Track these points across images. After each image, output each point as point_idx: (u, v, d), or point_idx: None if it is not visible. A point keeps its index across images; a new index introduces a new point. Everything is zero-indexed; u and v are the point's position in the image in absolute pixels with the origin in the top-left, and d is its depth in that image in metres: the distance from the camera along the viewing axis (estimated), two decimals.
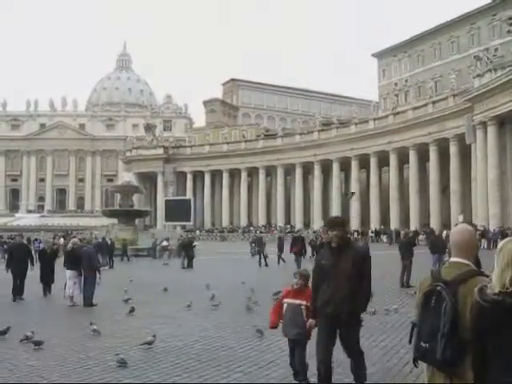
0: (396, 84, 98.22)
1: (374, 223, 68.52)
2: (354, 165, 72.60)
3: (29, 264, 18.59)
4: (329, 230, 6.89)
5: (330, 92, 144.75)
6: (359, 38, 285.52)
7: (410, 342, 3.72)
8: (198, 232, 66.14)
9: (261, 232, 69.80)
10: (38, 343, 10.19)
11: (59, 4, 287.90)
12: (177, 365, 8.87)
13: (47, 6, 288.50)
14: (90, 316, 14.03)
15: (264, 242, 33.32)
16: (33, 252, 22.65)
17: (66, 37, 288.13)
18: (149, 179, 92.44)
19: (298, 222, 79.20)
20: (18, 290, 17.22)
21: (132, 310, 14.11)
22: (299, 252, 27.99)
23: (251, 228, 79.64)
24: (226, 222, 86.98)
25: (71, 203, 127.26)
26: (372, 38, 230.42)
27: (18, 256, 18.01)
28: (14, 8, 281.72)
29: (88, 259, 16.62)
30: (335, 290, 6.54)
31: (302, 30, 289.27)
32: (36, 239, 44.53)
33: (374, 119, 71.47)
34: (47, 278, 18.46)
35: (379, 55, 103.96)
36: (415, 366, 3.77)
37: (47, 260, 19.07)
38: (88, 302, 15.81)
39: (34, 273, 19.31)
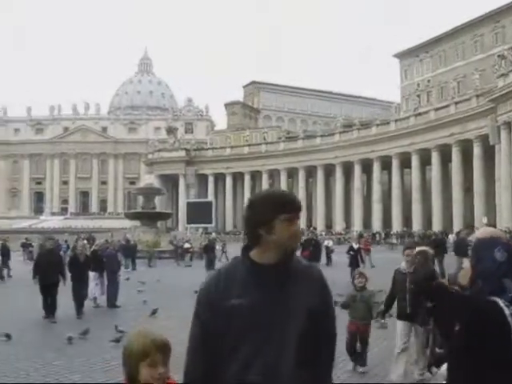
0: (418, 85, 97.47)
1: (396, 225, 68.05)
2: (376, 166, 72.24)
3: (60, 276, 14.66)
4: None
5: (351, 93, 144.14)
6: (381, 39, 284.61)
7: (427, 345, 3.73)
8: (214, 234, 66.12)
9: None
10: (74, 337, 10.25)
11: (82, 9, 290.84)
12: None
13: (70, 11, 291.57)
14: (113, 317, 14.20)
15: None
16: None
17: (88, 42, 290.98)
18: (170, 181, 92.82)
19: (319, 224, 78.94)
20: (49, 308, 14.13)
21: (154, 311, 14.19)
22: (310, 257, 23.90)
23: None
24: None
25: (94, 206, 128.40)
26: (394, 38, 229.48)
27: (47, 266, 14.38)
28: (37, 14, 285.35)
29: (111, 261, 16.80)
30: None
31: (323, 31, 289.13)
32: (66, 240, 40.70)
33: (396, 120, 71.06)
34: (81, 294, 15.00)
35: (401, 56, 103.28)
36: (429, 372, 3.76)
37: (81, 270, 15.28)
38: (111, 304, 15.96)
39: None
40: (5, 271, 25.84)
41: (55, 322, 13.64)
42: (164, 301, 16.66)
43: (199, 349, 2.60)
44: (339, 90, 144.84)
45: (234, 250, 39.75)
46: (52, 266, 14.34)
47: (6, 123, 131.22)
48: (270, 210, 2.48)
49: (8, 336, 11.21)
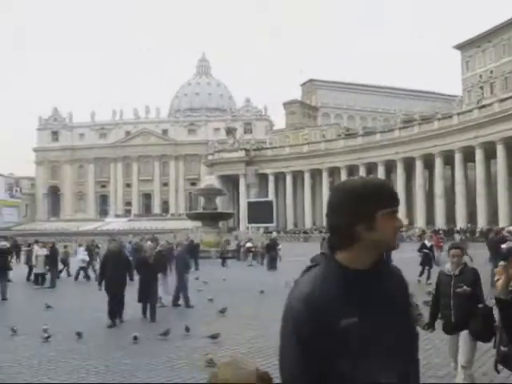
0: (481, 76, 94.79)
1: (461, 221, 66.52)
2: (438, 162, 70.84)
3: (127, 278, 14.40)
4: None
5: (410, 88, 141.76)
6: (440, 31, 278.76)
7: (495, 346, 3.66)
8: (275, 233, 66.18)
9: None
10: (135, 338, 10.52)
11: (139, 14, 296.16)
12: (261, 366, 8.95)
13: (128, 16, 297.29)
14: (180, 316, 14.48)
15: None
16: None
17: (146, 45, 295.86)
18: (231, 182, 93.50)
19: None
20: (115, 312, 13.72)
21: (223, 310, 14.32)
22: None
23: None
24: (308, 223, 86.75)
25: (156, 207, 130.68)
26: (453, 29, 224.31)
27: (114, 268, 13.95)
28: (95, 19, 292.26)
29: (179, 261, 17.07)
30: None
31: (378, 25, 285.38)
32: (130, 242, 40.10)
33: (458, 114, 69.41)
34: (148, 296, 14.43)
35: (462, 47, 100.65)
36: (496, 370, 3.70)
37: (150, 272, 14.72)
38: (186, 304, 16.22)
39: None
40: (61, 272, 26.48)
41: (122, 321, 13.65)
42: (230, 300, 16.76)
43: (304, 377, 2.06)
44: (398, 84, 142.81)
45: (292, 249, 39.94)
46: (118, 268, 13.96)
47: (72, 129, 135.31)
48: (372, 202, 2.05)
49: (79, 334, 11.63)
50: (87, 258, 26.98)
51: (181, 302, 16.51)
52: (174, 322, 13.32)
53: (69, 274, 27.45)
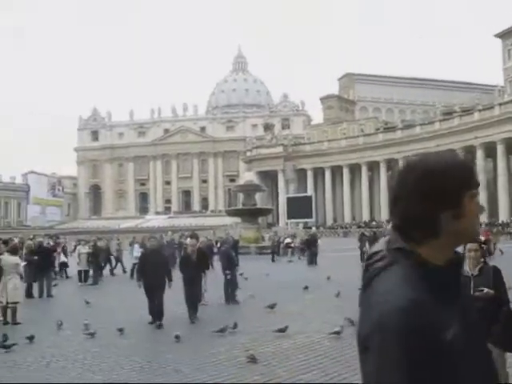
0: None
1: (503, 214, 65.27)
2: (479, 154, 69.60)
3: (166, 279, 13.47)
4: None
5: (449, 79, 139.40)
6: (479, 19, 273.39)
7: None
8: (314, 229, 65.98)
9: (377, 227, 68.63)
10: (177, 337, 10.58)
11: (174, 12, 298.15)
12: (304, 362, 8.98)
13: (166, 14, 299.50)
14: (224, 313, 14.55)
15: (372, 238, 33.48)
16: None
17: (182, 43, 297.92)
18: (270, 177, 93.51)
19: None
20: (155, 313, 13.17)
21: (272, 306, 14.23)
22: None
23: (373, 223, 78.42)
24: (347, 218, 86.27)
25: (196, 204, 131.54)
26: (494, 17, 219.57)
27: (152, 267, 13.25)
28: (132, 17, 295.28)
29: (226, 258, 17.11)
30: None
31: (415, 15, 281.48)
32: (172, 239, 39.18)
33: (500, 104, 68.07)
34: (194, 297, 13.91)
35: (503, 35, 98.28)
36: None
37: (193, 271, 14.09)
38: (233, 300, 16.21)
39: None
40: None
41: (161, 326, 12.67)
42: (271, 295, 16.68)
43: None
44: (436, 76, 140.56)
45: (331, 244, 39.79)
46: (157, 267, 13.19)
47: (111, 128, 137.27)
48: (460, 183, 1.60)
49: (121, 330, 11.82)
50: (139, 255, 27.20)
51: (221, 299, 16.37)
52: (221, 318, 13.33)
53: (124, 271, 27.87)
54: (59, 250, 26.64)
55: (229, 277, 16.59)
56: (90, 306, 16.03)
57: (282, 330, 11.08)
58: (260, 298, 16.25)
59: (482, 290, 5.71)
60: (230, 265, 16.93)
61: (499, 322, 5.19)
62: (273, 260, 34.62)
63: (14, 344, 10.45)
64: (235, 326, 11.64)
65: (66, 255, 27.39)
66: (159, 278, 13.21)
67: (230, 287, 16.47)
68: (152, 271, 13.10)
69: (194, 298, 13.83)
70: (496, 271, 6.12)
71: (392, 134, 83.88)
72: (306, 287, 18.40)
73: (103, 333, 11.76)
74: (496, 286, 5.91)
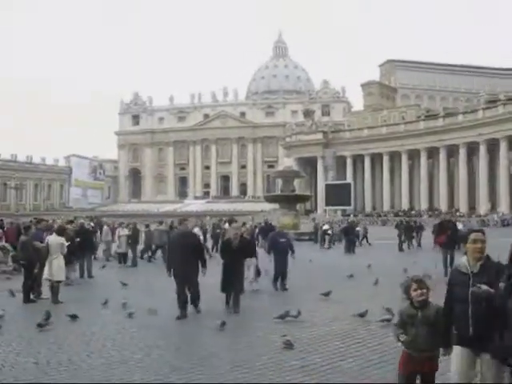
0: None
1: None
2: None
3: (199, 265, 12.21)
4: None
5: (494, 66, 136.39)
6: None
7: None
8: (353, 216, 65.65)
9: (419, 216, 67.99)
10: (223, 324, 10.64)
11: None
12: (341, 349, 8.95)
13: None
14: (277, 299, 14.52)
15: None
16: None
17: (224, 29, 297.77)
18: (309, 164, 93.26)
19: (462, 206, 75.96)
20: (186, 302, 12.00)
21: (327, 293, 13.90)
22: (447, 242, 19.47)
23: (412, 212, 77.59)
24: (386, 206, 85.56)
25: (234, 189, 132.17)
26: None
27: (183, 252, 11.95)
28: (174, 2, 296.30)
29: (276, 244, 16.36)
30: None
31: (456, 2, 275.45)
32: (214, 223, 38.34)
33: None
34: (232, 284, 12.67)
35: None
36: None
37: (235, 258, 12.86)
38: (283, 287, 15.79)
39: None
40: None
41: (200, 311, 12.19)
42: (317, 282, 16.54)
43: None
44: (480, 63, 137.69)
45: (375, 232, 39.52)
46: (189, 252, 11.98)
47: (152, 113, 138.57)
48: None
49: (153, 311, 11.99)
50: (202, 238, 27.27)
51: (256, 285, 15.77)
52: (266, 306, 13.31)
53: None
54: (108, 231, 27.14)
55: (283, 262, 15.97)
56: (127, 287, 16.25)
57: (362, 315, 11.15)
58: (311, 284, 16.17)
59: (480, 287, 4.95)
60: (278, 251, 16.11)
61: (497, 331, 4.78)
62: (328, 247, 34.56)
63: (46, 324, 10.61)
64: (299, 313, 11.17)
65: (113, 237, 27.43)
66: (191, 264, 12.03)
67: (280, 274, 15.90)
68: (183, 257, 11.89)
69: (234, 287, 12.63)
70: (500, 268, 5.10)
71: (434, 121, 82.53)
72: (351, 275, 18.08)
73: (141, 314, 11.93)
74: (498, 286, 4.96)
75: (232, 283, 12.56)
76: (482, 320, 4.95)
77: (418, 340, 5.42)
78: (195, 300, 12.17)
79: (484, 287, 4.92)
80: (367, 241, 36.85)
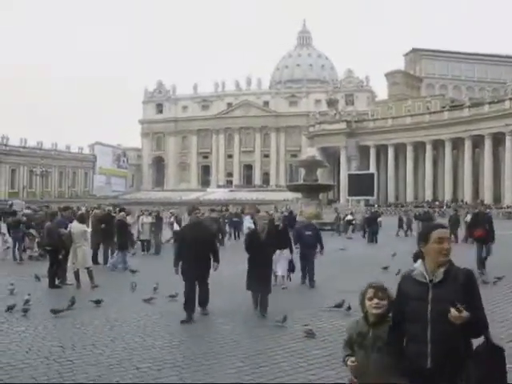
0: None
1: None
2: None
3: (211, 261, 11.03)
4: None
5: None
6: None
7: None
8: (376, 206, 65.35)
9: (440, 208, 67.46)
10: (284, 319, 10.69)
11: None
12: None
13: None
14: (306, 294, 14.38)
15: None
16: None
17: (247, 18, 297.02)
18: (332, 154, 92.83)
19: (487, 197, 75.11)
20: (193, 304, 10.70)
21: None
22: (486, 237, 17.67)
23: (436, 203, 76.97)
24: (410, 197, 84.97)
25: (257, 178, 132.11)
26: None
27: (193, 245, 10.67)
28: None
29: (302, 238, 15.61)
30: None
31: None
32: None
33: None
34: (259, 282, 11.12)
35: None
36: None
37: (262, 251, 11.29)
38: (311, 284, 14.93)
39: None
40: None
41: (207, 314, 10.98)
42: (352, 274, 16.18)
43: None
44: (506, 52, 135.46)
45: (391, 223, 39.17)
46: (200, 245, 10.69)
47: (176, 101, 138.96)
48: None
49: (173, 296, 12.10)
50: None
51: (287, 282, 14.84)
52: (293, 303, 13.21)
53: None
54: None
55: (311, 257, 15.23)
56: (134, 274, 16.34)
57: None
58: (340, 279, 16.01)
59: (456, 305, 3.59)
60: (309, 246, 15.35)
61: (477, 363, 3.66)
62: (350, 237, 34.50)
63: (61, 311, 10.70)
64: (349, 308, 10.85)
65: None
66: (202, 259, 10.81)
67: (308, 271, 15.16)
68: (195, 253, 10.61)
69: (261, 286, 11.11)
70: (469, 278, 3.87)
71: (459, 112, 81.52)
72: (386, 267, 16.87)
73: (163, 301, 12.09)
74: (469, 301, 3.69)
75: (259, 281, 11.06)
76: (448, 349, 3.74)
77: (367, 367, 4.14)
78: (204, 302, 10.96)
79: (465, 313, 3.59)
80: (411, 231, 35.80)
